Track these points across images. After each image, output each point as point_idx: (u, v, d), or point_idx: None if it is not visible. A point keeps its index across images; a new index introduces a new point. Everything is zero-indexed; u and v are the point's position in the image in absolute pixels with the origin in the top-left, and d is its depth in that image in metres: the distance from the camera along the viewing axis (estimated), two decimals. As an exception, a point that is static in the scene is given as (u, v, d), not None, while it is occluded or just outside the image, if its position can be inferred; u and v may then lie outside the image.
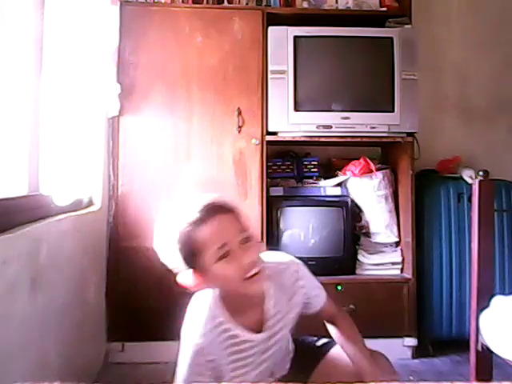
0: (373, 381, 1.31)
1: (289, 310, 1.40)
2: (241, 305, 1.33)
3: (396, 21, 2.73)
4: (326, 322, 1.54)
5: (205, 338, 1.29)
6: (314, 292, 1.47)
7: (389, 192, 2.78)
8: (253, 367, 1.36)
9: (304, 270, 1.45)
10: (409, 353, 2.67)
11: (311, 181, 2.86)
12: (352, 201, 2.77)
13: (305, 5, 2.79)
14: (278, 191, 2.74)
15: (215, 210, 1.23)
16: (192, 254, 1.22)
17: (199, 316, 1.32)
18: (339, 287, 2.63)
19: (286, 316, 1.39)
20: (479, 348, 1.93)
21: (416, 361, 2.65)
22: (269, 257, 1.37)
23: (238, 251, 1.21)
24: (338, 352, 1.48)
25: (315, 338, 1.57)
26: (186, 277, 1.26)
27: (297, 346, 1.55)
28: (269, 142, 2.66)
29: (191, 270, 1.25)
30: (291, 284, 1.40)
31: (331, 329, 1.52)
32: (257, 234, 2.55)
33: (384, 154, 3.04)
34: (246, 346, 1.33)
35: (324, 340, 1.55)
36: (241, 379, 1.32)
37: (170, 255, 1.25)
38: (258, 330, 1.35)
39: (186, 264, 1.24)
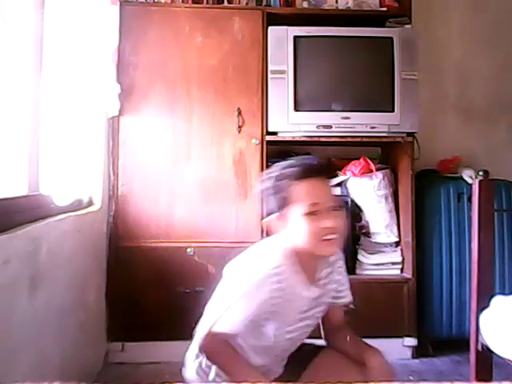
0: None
1: (329, 290, 1.52)
2: (306, 262, 1.42)
3: (396, 21, 2.73)
4: (330, 333, 1.62)
5: (280, 269, 1.37)
6: (346, 285, 1.62)
7: (389, 192, 2.78)
8: (290, 324, 1.44)
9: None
10: (409, 353, 2.67)
11: (311, 181, 2.85)
12: (352, 201, 2.77)
13: (305, 5, 2.79)
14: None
15: (319, 172, 1.39)
16: (284, 202, 1.36)
17: (274, 251, 1.42)
18: (339, 287, 2.62)
19: (327, 293, 1.51)
20: (479, 348, 1.93)
21: (416, 361, 2.65)
22: None
23: (326, 214, 1.34)
24: (327, 354, 1.55)
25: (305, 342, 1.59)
26: (271, 219, 1.40)
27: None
28: (269, 142, 2.66)
29: (277, 214, 1.38)
30: (337, 267, 1.55)
31: (340, 340, 1.59)
32: (257, 233, 2.55)
33: (384, 153, 3.04)
34: (295, 299, 1.42)
35: (311, 343, 1.59)
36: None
37: (265, 196, 1.41)
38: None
39: (277, 208, 1.38)
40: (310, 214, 1.34)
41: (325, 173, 1.44)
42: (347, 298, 1.63)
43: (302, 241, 1.37)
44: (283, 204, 1.37)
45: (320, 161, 1.51)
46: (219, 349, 1.37)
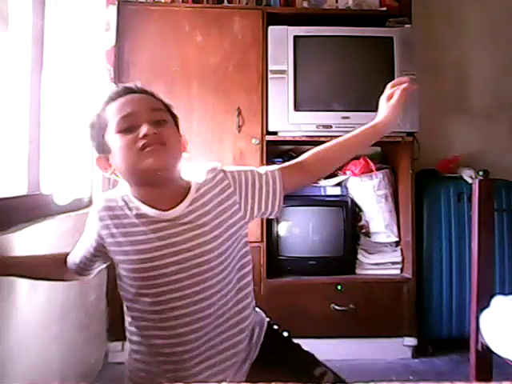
0: None
1: (218, 213, 1.18)
2: (154, 195, 1.17)
3: (396, 20, 2.73)
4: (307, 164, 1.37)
5: (104, 202, 1.20)
6: (266, 197, 1.24)
7: (389, 192, 2.78)
8: (152, 247, 1.15)
9: (231, 172, 1.24)
10: (409, 352, 2.68)
11: (311, 180, 2.85)
12: (352, 200, 2.77)
13: (305, 4, 2.79)
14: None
15: (133, 90, 1.22)
16: (99, 134, 1.19)
17: (107, 193, 1.26)
18: (339, 287, 2.63)
19: (216, 217, 1.17)
20: (479, 348, 1.94)
21: (416, 360, 2.65)
22: (195, 169, 1.27)
23: (144, 123, 1.13)
24: None
25: (317, 374, 1.24)
26: (98, 161, 1.22)
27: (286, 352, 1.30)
28: (269, 142, 2.66)
29: (101, 153, 1.21)
30: (222, 189, 1.21)
31: (322, 156, 1.40)
32: (257, 233, 2.55)
33: (384, 153, 3.04)
34: (154, 227, 1.16)
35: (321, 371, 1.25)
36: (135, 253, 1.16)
37: (89, 140, 1.24)
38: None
39: (96, 146, 1.22)
40: (122, 131, 1.14)
41: (142, 91, 1.23)
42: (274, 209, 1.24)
43: (122, 162, 1.14)
44: (100, 135, 1.19)
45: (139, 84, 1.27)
46: None
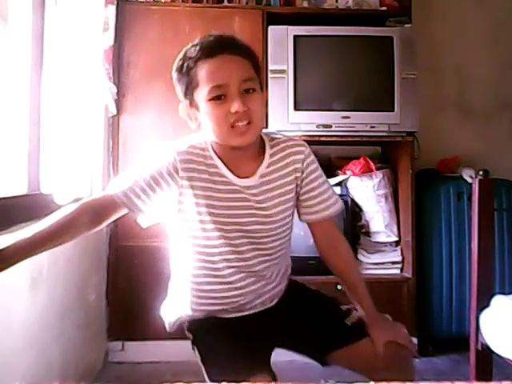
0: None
1: (282, 184, 1.31)
2: (233, 158, 1.26)
3: (396, 20, 2.73)
4: (320, 243, 1.41)
5: (187, 153, 1.25)
6: (324, 195, 1.36)
7: (389, 191, 2.78)
8: (227, 215, 1.26)
9: (311, 154, 1.35)
10: (409, 352, 2.67)
11: (311, 180, 2.85)
12: (352, 200, 2.77)
13: (305, 4, 2.79)
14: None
15: (223, 48, 1.20)
16: (188, 87, 1.22)
17: (188, 140, 1.29)
18: (339, 287, 2.61)
19: (280, 188, 1.30)
20: (479, 347, 1.93)
21: (416, 360, 2.64)
22: (282, 135, 1.36)
23: (234, 97, 1.16)
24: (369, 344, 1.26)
25: (344, 309, 1.36)
26: (182, 109, 1.28)
27: (316, 301, 1.42)
28: (269, 142, 2.66)
29: (187, 103, 1.25)
30: (290, 172, 1.32)
31: (330, 254, 1.40)
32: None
33: (384, 153, 3.04)
34: (227, 188, 1.26)
35: (355, 317, 1.33)
36: (211, 218, 1.25)
37: (175, 82, 1.27)
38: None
39: (183, 95, 1.25)
40: (214, 98, 1.17)
41: (235, 48, 1.20)
42: (330, 209, 1.36)
43: (212, 132, 1.21)
44: (188, 90, 1.22)
45: (233, 36, 1.24)
46: None
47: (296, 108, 2.61)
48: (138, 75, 2.61)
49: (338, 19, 2.69)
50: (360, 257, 2.76)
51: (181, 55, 1.26)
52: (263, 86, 1.27)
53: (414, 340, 2.66)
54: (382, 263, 2.76)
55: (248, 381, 1.09)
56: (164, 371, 2.34)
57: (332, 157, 3.01)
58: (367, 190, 2.76)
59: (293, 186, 1.32)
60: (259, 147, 1.30)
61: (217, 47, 1.19)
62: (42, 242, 1.15)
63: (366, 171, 2.76)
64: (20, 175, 1.73)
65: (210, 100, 1.17)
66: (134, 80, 2.60)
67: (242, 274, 1.31)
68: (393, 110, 2.64)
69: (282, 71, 2.60)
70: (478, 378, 1.93)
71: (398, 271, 2.77)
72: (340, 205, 1.37)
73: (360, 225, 2.82)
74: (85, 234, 1.25)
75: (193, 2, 2.69)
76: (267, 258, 1.33)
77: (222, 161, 1.26)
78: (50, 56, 1.91)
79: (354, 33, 2.67)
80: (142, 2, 2.66)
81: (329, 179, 2.81)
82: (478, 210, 1.99)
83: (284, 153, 1.31)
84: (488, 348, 1.87)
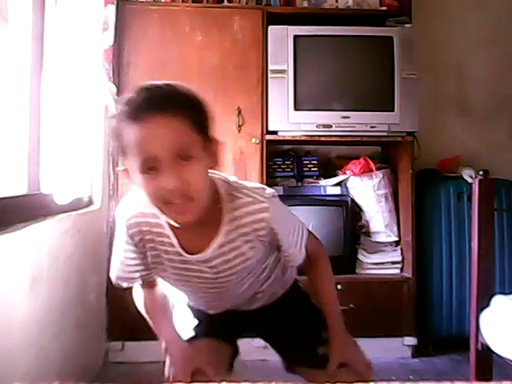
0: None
1: (243, 243, 1.16)
2: (182, 230, 1.12)
3: (396, 20, 2.73)
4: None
5: (136, 224, 1.14)
6: (286, 239, 1.20)
7: (389, 191, 2.78)
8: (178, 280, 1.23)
9: (276, 212, 1.15)
10: (409, 352, 2.68)
11: (311, 180, 2.86)
12: (352, 200, 2.77)
13: (305, 4, 2.79)
14: (278, 190, 2.67)
15: (151, 107, 0.98)
16: (121, 152, 1.04)
17: (137, 199, 1.12)
18: (339, 286, 2.63)
19: (242, 255, 1.17)
20: (479, 347, 1.93)
21: (416, 360, 2.65)
22: (244, 188, 1.16)
23: (166, 171, 0.98)
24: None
25: (324, 336, 1.28)
26: (123, 174, 1.08)
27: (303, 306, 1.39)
28: (269, 142, 2.66)
29: (123, 168, 1.07)
30: (254, 222, 1.13)
31: (308, 271, 1.32)
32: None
33: (384, 153, 3.04)
34: (180, 259, 1.16)
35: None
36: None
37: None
38: (198, 251, 1.15)
39: (121, 157, 1.06)
40: (145, 171, 0.99)
41: (166, 105, 0.99)
42: (296, 261, 1.26)
43: (150, 203, 1.04)
44: (122, 154, 1.04)
45: (170, 86, 1.02)
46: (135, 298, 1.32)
47: (296, 108, 2.61)
48: (138, 75, 2.60)
49: (338, 19, 2.69)
50: (360, 257, 2.76)
51: (114, 116, 1.04)
52: (210, 141, 1.07)
53: (414, 340, 2.66)
54: (382, 263, 2.76)
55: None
56: (164, 371, 2.33)
57: (332, 157, 3.01)
58: (367, 190, 2.76)
59: (254, 243, 1.17)
60: (214, 208, 1.11)
61: (145, 107, 0.98)
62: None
63: (366, 171, 2.76)
64: (20, 175, 1.73)
65: (140, 173, 1.00)
66: (134, 80, 2.60)
67: (215, 303, 1.32)
68: (393, 110, 2.64)
69: (282, 71, 2.60)
70: (478, 378, 1.93)
71: (398, 271, 2.77)
72: (303, 251, 1.24)
73: (360, 225, 2.82)
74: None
75: (193, 1, 2.69)
76: (245, 290, 1.28)
77: (173, 232, 1.14)
78: (49, 56, 1.91)
79: (354, 33, 2.67)
80: (142, 1, 2.66)
81: (329, 179, 2.85)
82: (478, 210, 1.98)
83: (244, 220, 1.12)
84: (488, 348, 1.87)
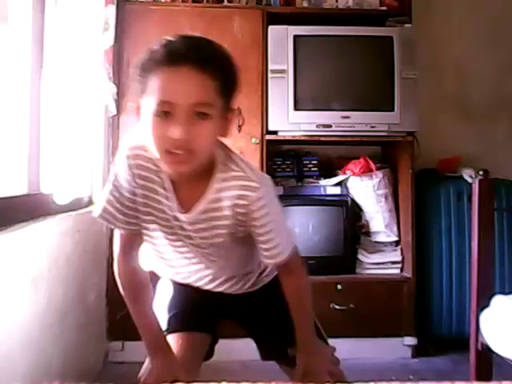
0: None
1: (222, 216, 1.15)
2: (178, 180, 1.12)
3: (396, 20, 2.73)
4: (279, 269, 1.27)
5: (134, 159, 1.11)
6: (269, 242, 1.15)
7: (389, 191, 2.78)
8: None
9: (263, 198, 1.11)
10: (409, 352, 2.68)
11: (311, 180, 2.85)
12: (352, 200, 2.77)
13: (305, 4, 2.79)
14: (278, 190, 2.73)
15: (187, 58, 1.00)
16: (141, 91, 1.04)
17: (145, 143, 1.08)
18: (339, 286, 2.63)
19: (220, 218, 1.15)
20: (479, 347, 1.94)
21: (416, 360, 2.65)
22: (243, 164, 1.15)
23: (178, 121, 0.99)
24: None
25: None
26: (129, 108, 1.11)
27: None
28: (269, 141, 2.66)
29: (136, 105, 1.07)
30: (237, 198, 1.11)
31: (284, 283, 1.25)
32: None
33: (384, 153, 3.04)
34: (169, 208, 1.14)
35: None
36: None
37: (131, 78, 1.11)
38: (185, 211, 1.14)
39: (135, 95, 1.07)
40: (159, 114, 1.00)
41: (202, 60, 1.01)
42: (275, 259, 1.18)
43: (153, 146, 1.04)
44: (139, 93, 1.05)
45: (210, 42, 1.08)
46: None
47: (296, 108, 2.61)
48: (138, 75, 2.60)
49: (337, 19, 2.69)
50: (360, 256, 2.76)
51: (146, 53, 1.08)
52: (229, 108, 1.11)
53: (414, 340, 2.66)
54: (382, 263, 2.76)
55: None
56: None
57: (332, 157, 3.01)
58: (367, 190, 2.76)
59: (230, 229, 1.16)
60: (208, 174, 1.12)
61: (181, 55, 1.01)
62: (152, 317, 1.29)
63: (366, 171, 2.76)
64: (20, 175, 1.73)
65: (154, 114, 1.01)
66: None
67: (190, 274, 1.30)
68: (393, 110, 2.64)
69: (282, 71, 2.60)
70: (478, 378, 1.93)
71: (398, 271, 2.77)
72: (286, 254, 1.17)
73: (360, 225, 2.82)
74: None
75: (193, 1, 2.69)
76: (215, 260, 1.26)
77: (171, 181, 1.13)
78: (50, 56, 1.91)
79: (353, 33, 2.67)
80: (142, 1, 2.66)
81: (329, 179, 2.85)
82: (478, 209, 1.99)
83: (229, 193, 1.11)
84: (488, 348, 1.87)
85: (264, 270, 1.35)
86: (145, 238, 1.24)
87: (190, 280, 1.33)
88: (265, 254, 1.17)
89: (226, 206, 1.12)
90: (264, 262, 1.20)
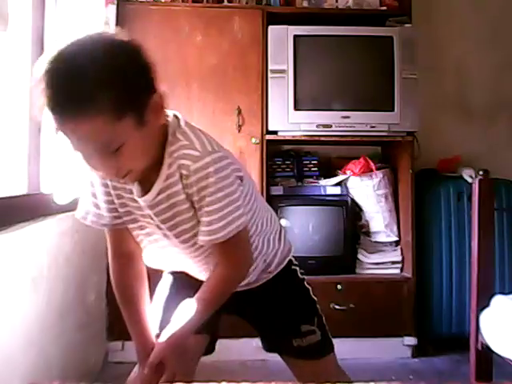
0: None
1: (180, 202, 1.11)
2: None
3: (396, 20, 2.73)
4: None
5: None
6: (207, 221, 1.08)
7: (389, 191, 2.78)
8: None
9: (209, 169, 1.05)
10: (408, 352, 2.68)
11: (311, 180, 2.86)
12: (352, 200, 2.77)
13: (305, 4, 2.79)
14: (278, 190, 2.74)
15: (69, 111, 0.91)
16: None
17: None
18: (339, 286, 2.63)
19: (178, 206, 1.11)
20: (479, 347, 1.94)
21: (416, 360, 2.65)
22: (192, 134, 1.09)
23: (96, 162, 0.99)
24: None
25: (303, 330, 1.32)
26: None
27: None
28: (269, 141, 2.66)
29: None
30: (182, 167, 1.06)
31: (213, 265, 1.19)
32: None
33: (384, 153, 3.04)
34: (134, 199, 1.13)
35: (305, 341, 1.31)
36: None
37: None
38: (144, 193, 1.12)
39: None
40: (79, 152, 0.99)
41: (82, 105, 0.90)
42: (210, 236, 1.09)
43: None
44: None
45: (75, 70, 0.92)
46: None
47: (296, 108, 2.61)
48: (138, 75, 2.60)
49: (337, 19, 2.69)
50: (360, 256, 2.76)
51: (40, 81, 0.92)
52: (148, 106, 1.01)
53: (414, 340, 2.66)
54: (382, 263, 2.76)
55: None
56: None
57: (332, 157, 3.01)
58: (367, 190, 2.76)
59: (188, 204, 1.11)
60: (162, 152, 1.08)
61: (63, 107, 0.91)
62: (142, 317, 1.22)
63: (366, 171, 2.76)
64: (20, 175, 1.73)
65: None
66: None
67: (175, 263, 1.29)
68: (393, 110, 2.64)
69: (282, 71, 2.60)
70: (478, 378, 1.93)
71: (397, 271, 2.77)
72: (222, 236, 1.08)
73: (360, 225, 2.82)
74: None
75: (193, 1, 2.69)
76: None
77: None
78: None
79: (353, 33, 2.67)
80: (142, 1, 2.66)
81: (329, 179, 2.85)
82: (478, 209, 1.99)
83: (178, 162, 1.07)
84: (488, 348, 1.87)
85: (269, 266, 1.32)
86: (134, 233, 1.23)
87: (186, 270, 1.30)
88: (201, 229, 1.09)
89: (177, 180, 1.08)
90: (199, 238, 1.11)
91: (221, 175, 1.07)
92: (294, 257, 1.41)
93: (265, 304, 1.35)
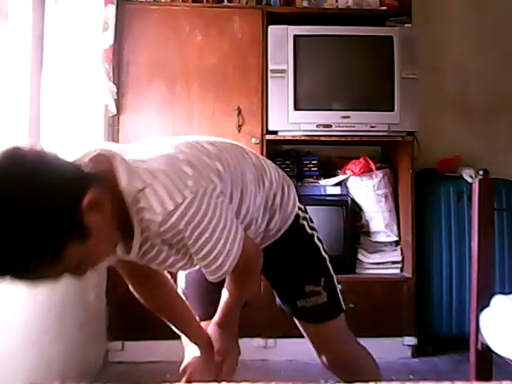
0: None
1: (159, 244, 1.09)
2: None
3: (396, 20, 2.73)
4: None
5: None
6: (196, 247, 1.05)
7: (389, 191, 2.78)
8: None
9: (194, 231, 1.00)
10: (409, 352, 2.68)
11: (311, 180, 2.86)
12: (352, 200, 2.77)
13: (305, 4, 2.79)
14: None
15: (14, 277, 0.96)
16: None
17: None
18: (339, 286, 2.62)
19: (157, 245, 1.09)
20: (479, 347, 1.93)
21: (416, 360, 2.65)
22: (152, 192, 0.99)
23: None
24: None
25: (307, 290, 1.32)
26: None
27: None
28: (269, 141, 2.66)
29: None
30: (164, 233, 1.02)
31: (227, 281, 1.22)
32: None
33: (384, 153, 3.04)
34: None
35: (309, 302, 1.32)
36: None
37: None
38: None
39: None
40: None
41: (20, 271, 0.95)
42: (214, 274, 1.10)
43: None
44: None
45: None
46: None
47: (296, 108, 2.61)
48: (138, 75, 2.61)
49: (337, 19, 2.69)
50: (360, 257, 2.76)
51: None
52: (80, 226, 0.93)
53: (414, 340, 2.66)
54: (382, 263, 2.76)
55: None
56: (164, 371, 2.32)
57: (332, 157, 3.01)
58: (367, 190, 2.76)
59: (174, 249, 1.10)
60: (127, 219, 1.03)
61: (6, 276, 0.95)
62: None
63: (366, 171, 2.76)
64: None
65: None
66: (134, 79, 2.60)
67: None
68: (393, 110, 2.64)
69: (282, 71, 2.60)
70: (478, 378, 1.93)
71: (397, 271, 2.77)
72: (230, 264, 1.07)
73: (360, 224, 2.82)
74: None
75: (193, 1, 2.69)
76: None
77: None
78: (50, 55, 1.91)
79: (354, 32, 2.67)
80: (142, 1, 2.66)
81: (329, 179, 2.85)
82: (478, 209, 1.98)
83: (145, 223, 1.02)
84: (488, 348, 1.87)
85: (269, 224, 1.27)
86: None
87: None
88: (204, 270, 1.09)
89: (153, 234, 1.03)
90: (208, 277, 1.10)
91: (196, 221, 1.00)
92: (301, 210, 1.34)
93: (273, 261, 1.30)
